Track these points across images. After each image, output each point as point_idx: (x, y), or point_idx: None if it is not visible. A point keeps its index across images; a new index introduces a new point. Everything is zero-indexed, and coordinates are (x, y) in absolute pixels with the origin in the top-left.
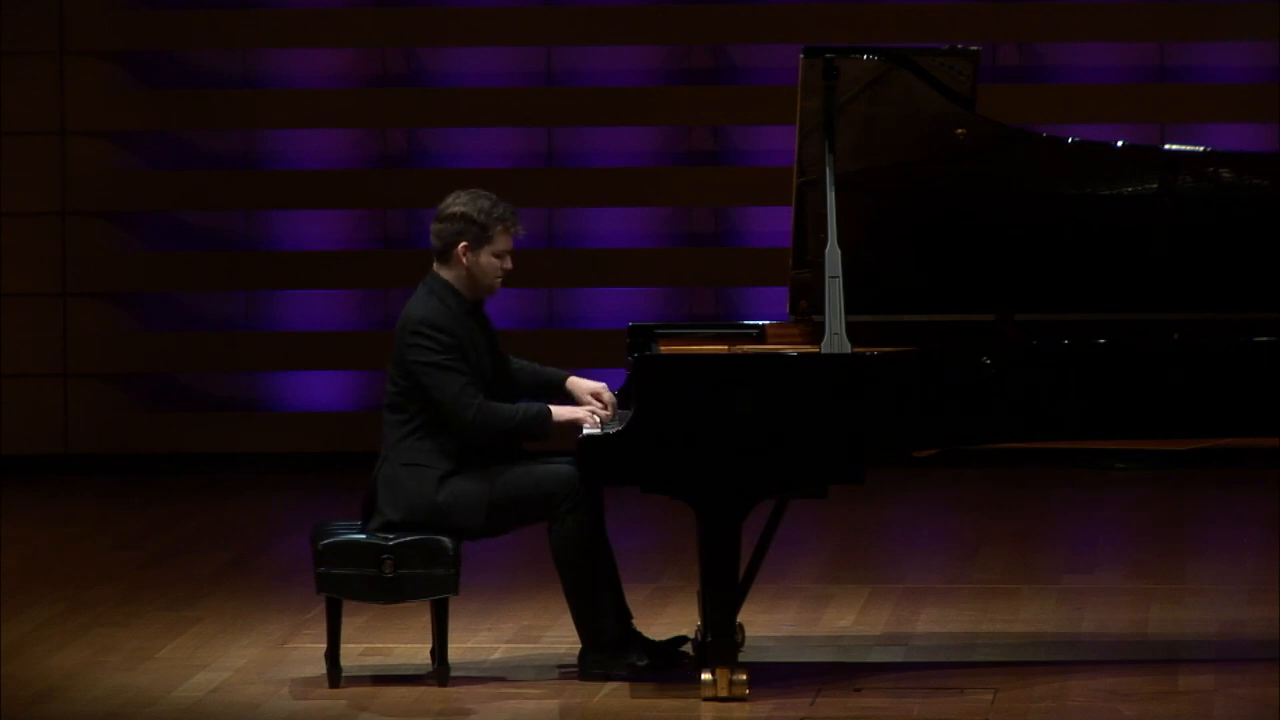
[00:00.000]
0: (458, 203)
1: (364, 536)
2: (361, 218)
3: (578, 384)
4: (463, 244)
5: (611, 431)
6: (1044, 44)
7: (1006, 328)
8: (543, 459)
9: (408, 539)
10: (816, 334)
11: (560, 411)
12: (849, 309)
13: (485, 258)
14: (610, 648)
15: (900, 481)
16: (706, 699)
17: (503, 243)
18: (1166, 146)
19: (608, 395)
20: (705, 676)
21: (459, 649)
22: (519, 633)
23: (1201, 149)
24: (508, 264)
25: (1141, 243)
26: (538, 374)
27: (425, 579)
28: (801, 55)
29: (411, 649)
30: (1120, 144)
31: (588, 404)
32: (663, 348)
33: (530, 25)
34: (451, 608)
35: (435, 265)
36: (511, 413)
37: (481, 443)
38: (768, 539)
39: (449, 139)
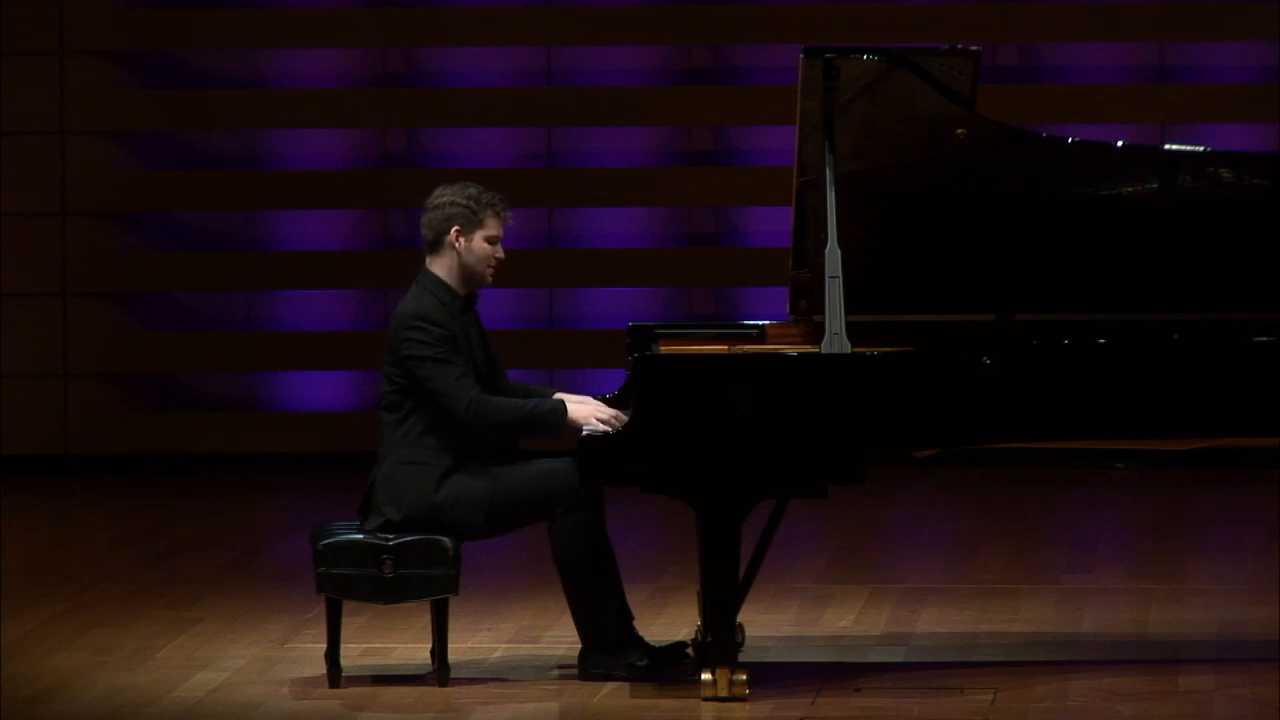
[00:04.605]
0: (446, 193)
1: (364, 536)
2: (361, 218)
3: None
4: (454, 228)
5: (616, 429)
6: (1044, 44)
7: (1006, 328)
8: (542, 458)
9: (408, 539)
10: (816, 334)
11: (576, 410)
12: (849, 309)
13: (478, 242)
14: (610, 648)
15: (900, 481)
16: (706, 699)
17: (493, 227)
18: (1166, 146)
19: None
20: (705, 676)
21: (459, 649)
22: (519, 633)
23: (1201, 149)
24: (499, 253)
25: (1141, 243)
26: (529, 394)
27: (425, 579)
28: (801, 55)
29: (411, 649)
30: (1120, 144)
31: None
32: (663, 348)
33: (530, 25)
34: (451, 608)
35: (427, 260)
36: (515, 406)
37: (480, 436)
38: (768, 539)
39: (449, 139)
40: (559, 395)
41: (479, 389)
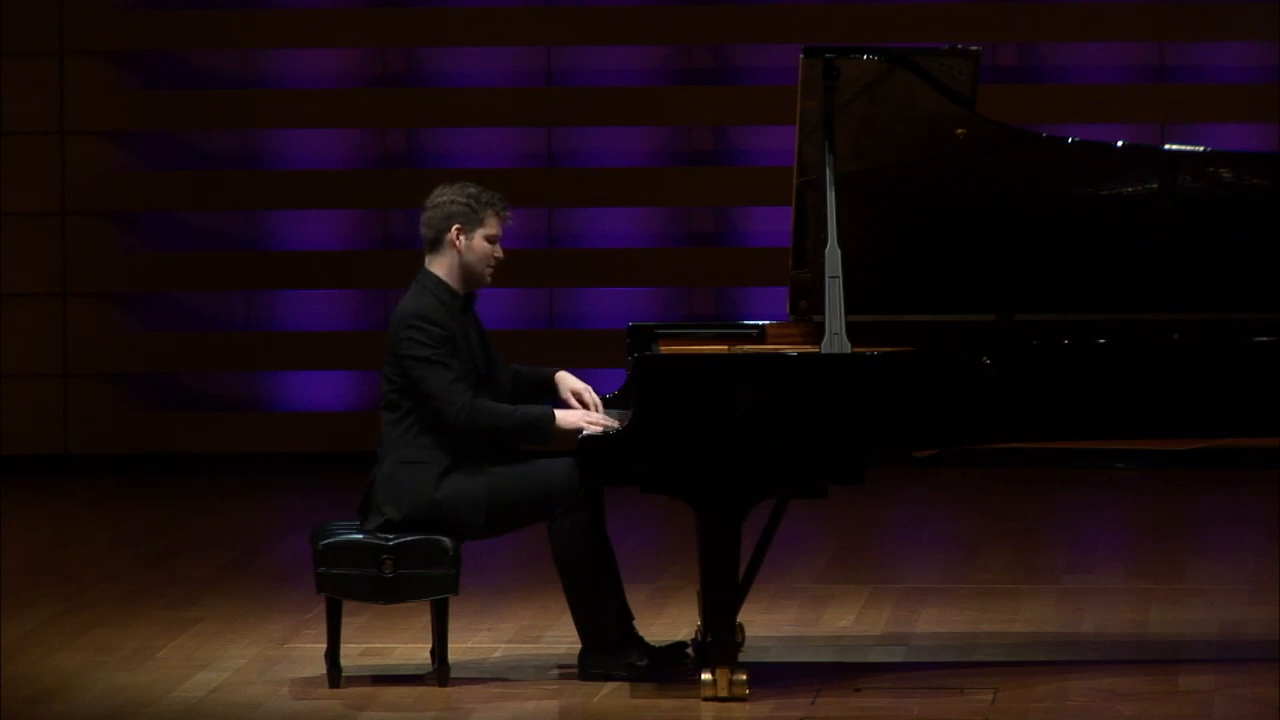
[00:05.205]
0: (445, 192)
1: (364, 536)
2: (361, 218)
3: (564, 380)
4: (455, 226)
5: (612, 432)
6: (1044, 44)
7: (1006, 328)
8: (543, 458)
9: (408, 539)
10: (816, 334)
11: (565, 418)
12: (849, 309)
13: (478, 241)
14: (610, 648)
15: (900, 481)
16: (706, 699)
17: (493, 226)
18: (1166, 146)
19: (589, 396)
20: (705, 676)
21: (459, 649)
22: (519, 633)
23: (1201, 149)
24: (499, 252)
25: (1141, 243)
26: (532, 374)
27: (425, 579)
28: (801, 55)
29: (411, 649)
30: (1120, 144)
31: (566, 401)
32: (663, 348)
33: (530, 25)
34: (451, 608)
35: (427, 260)
36: (506, 412)
37: (474, 440)
38: (768, 539)
39: (449, 139)
40: (561, 374)
41: (472, 394)
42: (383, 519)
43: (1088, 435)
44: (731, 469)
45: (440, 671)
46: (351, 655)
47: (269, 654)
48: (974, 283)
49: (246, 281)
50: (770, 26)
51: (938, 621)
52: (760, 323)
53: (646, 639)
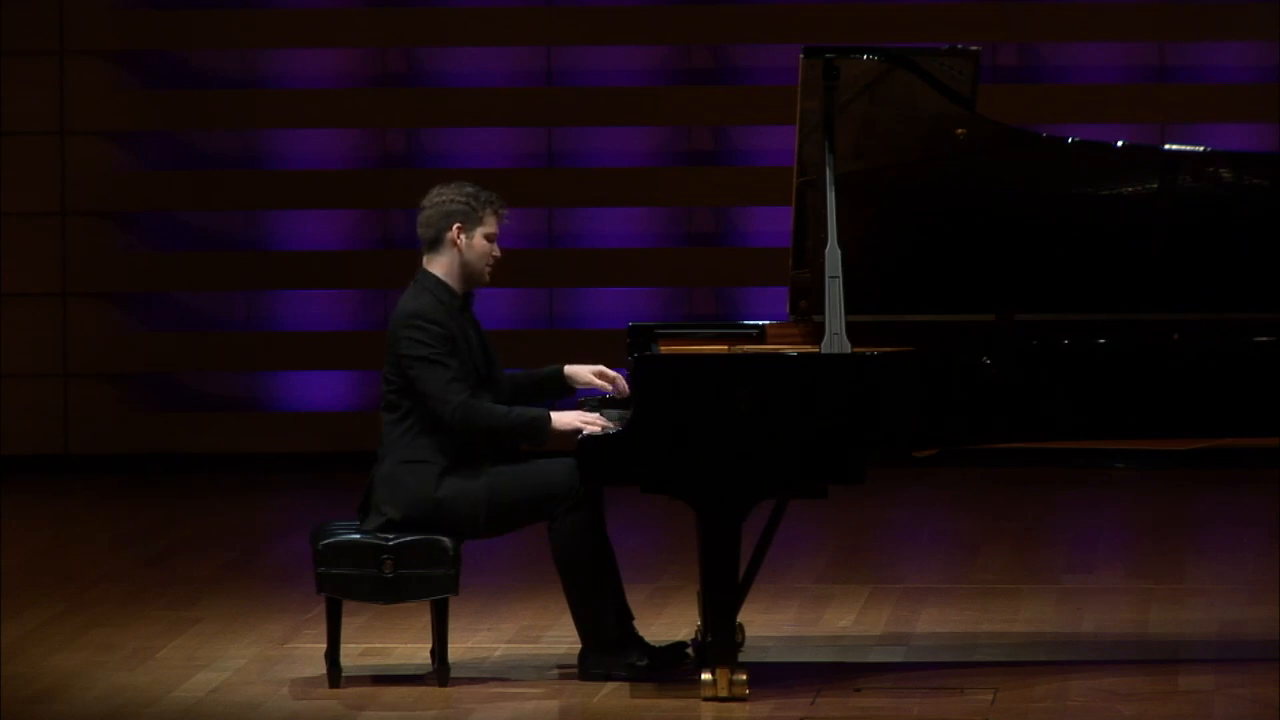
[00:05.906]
0: (443, 192)
1: (364, 536)
2: (361, 218)
3: (577, 371)
4: (456, 225)
5: (612, 431)
6: (1044, 44)
7: (1006, 328)
8: (543, 458)
9: (408, 539)
10: (816, 334)
11: (560, 419)
12: (849, 309)
13: (478, 240)
14: (610, 648)
15: (900, 481)
16: (706, 699)
17: (492, 225)
18: (1166, 146)
19: (609, 371)
20: (705, 676)
21: (459, 649)
22: (519, 633)
23: (1201, 149)
24: (497, 251)
25: (1141, 243)
26: (534, 376)
27: (425, 579)
28: (801, 55)
29: (411, 649)
30: (1120, 144)
31: (594, 385)
32: (663, 348)
33: (530, 25)
34: (451, 608)
35: (425, 260)
36: (501, 413)
37: (471, 441)
38: (768, 539)
39: (449, 139)
40: (568, 368)
41: (468, 394)
42: (383, 519)
43: (1088, 435)
44: (731, 469)
45: (440, 671)
46: (351, 655)
47: (269, 654)
48: (974, 283)
49: (246, 281)
50: (770, 26)
51: (938, 621)
52: (760, 323)
53: (646, 639)
